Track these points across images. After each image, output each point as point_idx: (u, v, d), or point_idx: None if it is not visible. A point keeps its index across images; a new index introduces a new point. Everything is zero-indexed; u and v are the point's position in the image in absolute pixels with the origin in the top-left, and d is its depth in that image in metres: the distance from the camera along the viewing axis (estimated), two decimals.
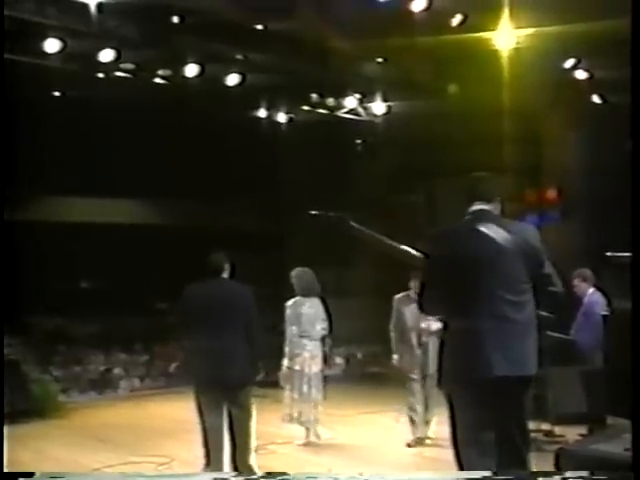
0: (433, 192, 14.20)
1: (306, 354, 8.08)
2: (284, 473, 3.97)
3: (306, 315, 8.07)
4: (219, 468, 6.12)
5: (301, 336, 8.02)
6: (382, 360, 13.01)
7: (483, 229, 4.29)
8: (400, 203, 13.94)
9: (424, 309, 4.72)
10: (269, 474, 4.22)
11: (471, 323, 4.19)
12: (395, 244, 4.23)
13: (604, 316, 7.24)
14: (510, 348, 4.17)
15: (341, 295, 13.66)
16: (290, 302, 8.01)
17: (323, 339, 8.26)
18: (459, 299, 4.25)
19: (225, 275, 6.36)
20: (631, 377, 3.84)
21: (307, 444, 8.13)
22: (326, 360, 8.32)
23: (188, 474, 6.31)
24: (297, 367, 8.04)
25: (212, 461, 6.18)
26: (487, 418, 4.20)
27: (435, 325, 7.56)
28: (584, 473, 3.59)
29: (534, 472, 4.25)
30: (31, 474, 3.71)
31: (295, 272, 8.26)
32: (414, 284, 7.72)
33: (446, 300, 4.31)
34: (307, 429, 8.20)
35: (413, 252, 4.57)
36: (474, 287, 4.21)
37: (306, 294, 8.14)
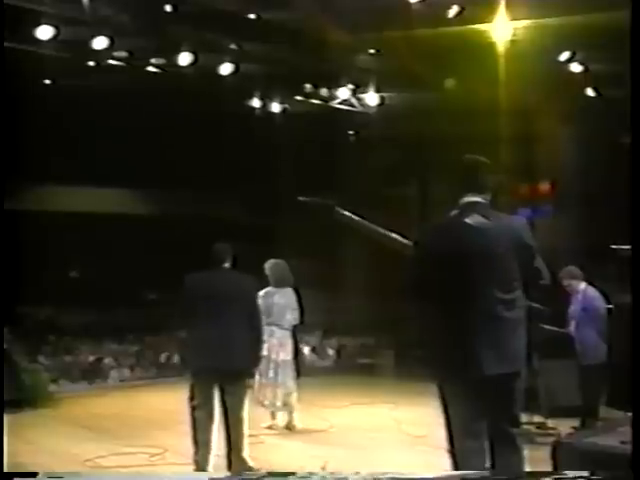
0: (425, 183, 14.20)
1: (274, 341, 8.25)
2: (281, 473, 3.95)
3: (277, 305, 8.27)
4: (204, 466, 6.03)
5: (270, 324, 8.09)
6: (372, 351, 13.08)
7: (474, 224, 4.18)
8: (392, 194, 13.93)
9: (408, 294, 4.55)
10: (270, 474, 4.20)
11: (461, 320, 4.14)
12: (384, 231, 4.16)
13: (609, 310, 7.26)
14: (500, 346, 4.12)
15: (332, 287, 13.68)
16: (262, 292, 8.08)
17: (294, 329, 8.47)
18: (449, 295, 4.16)
19: (227, 265, 6.35)
20: (631, 370, 3.84)
21: (301, 432, 8.20)
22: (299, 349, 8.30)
23: (186, 473, 6.24)
24: (264, 352, 8.07)
25: (199, 458, 6.10)
26: (480, 413, 4.19)
27: None
28: (584, 473, 3.57)
29: (534, 472, 4.23)
30: (34, 474, 3.67)
31: (268, 264, 8.44)
32: None
33: (434, 294, 4.22)
34: (272, 413, 8.39)
35: (402, 240, 4.48)
36: (464, 284, 4.12)
37: (279, 285, 8.34)
